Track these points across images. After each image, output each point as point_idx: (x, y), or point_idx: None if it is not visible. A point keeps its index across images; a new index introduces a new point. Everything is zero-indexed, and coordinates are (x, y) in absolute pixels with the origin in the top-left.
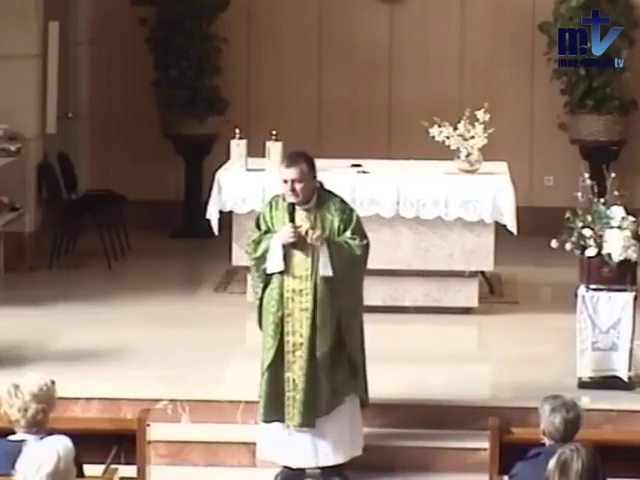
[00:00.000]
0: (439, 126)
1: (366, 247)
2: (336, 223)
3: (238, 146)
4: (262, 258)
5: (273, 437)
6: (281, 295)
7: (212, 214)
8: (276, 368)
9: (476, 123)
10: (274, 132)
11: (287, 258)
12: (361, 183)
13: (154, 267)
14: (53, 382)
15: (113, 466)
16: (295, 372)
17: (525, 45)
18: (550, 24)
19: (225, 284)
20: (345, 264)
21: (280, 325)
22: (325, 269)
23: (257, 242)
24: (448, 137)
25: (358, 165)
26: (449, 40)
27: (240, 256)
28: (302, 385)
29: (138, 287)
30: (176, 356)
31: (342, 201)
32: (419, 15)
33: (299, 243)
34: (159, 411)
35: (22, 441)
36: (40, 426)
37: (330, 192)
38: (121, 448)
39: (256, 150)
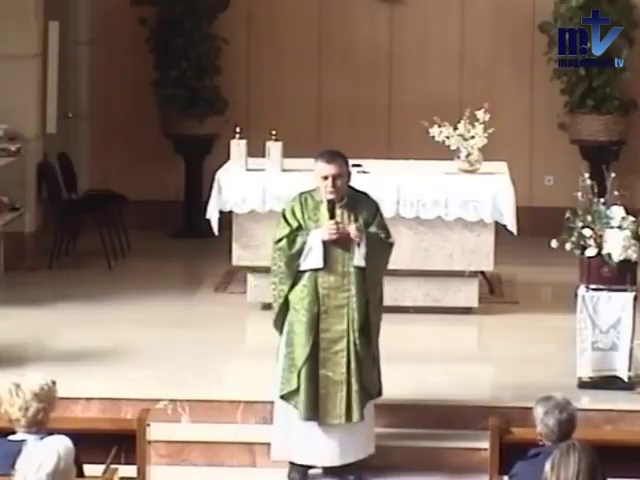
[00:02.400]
0: (439, 126)
1: (392, 245)
2: (366, 219)
3: (238, 146)
4: (297, 255)
5: (293, 436)
6: (316, 292)
7: (212, 214)
8: (311, 365)
9: (476, 123)
10: (274, 132)
11: (326, 254)
12: (361, 183)
13: (154, 267)
14: (54, 382)
15: (113, 466)
16: (330, 369)
17: (525, 45)
18: (550, 24)
19: (225, 284)
20: (377, 257)
21: (316, 322)
22: (359, 260)
23: (292, 239)
24: (448, 137)
25: (358, 165)
26: (449, 40)
27: (240, 256)
28: (346, 381)
29: (138, 287)
30: (176, 356)
31: (369, 197)
32: (419, 15)
33: (339, 239)
34: (159, 411)
35: (22, 441)
36: (40, 426)
37: (355, 189)
38: (121, 448)
39: (256, 150)
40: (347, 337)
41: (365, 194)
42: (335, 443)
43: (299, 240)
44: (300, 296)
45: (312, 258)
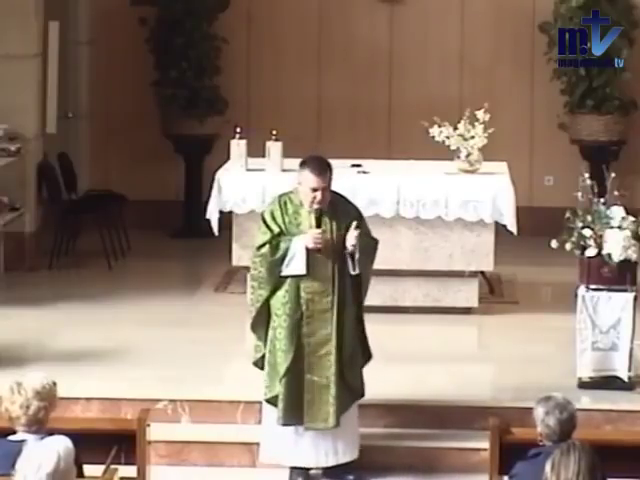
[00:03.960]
0: (439, 126)
1: (377, 245)
2: (347, 222)
3: (238, 146)
4: (279, 261)
5: (281, 439)
6: (298, 297)
7: (212, 214)
8: (296, 370)
9: (476, 123)
10: (274, 132)
11: (309, 259)
12: (361, 183)
13: (154, 267)
14: (55, 383)
15: (113, 466)
16: (316, 373)
17: (525, 45)
18: (550, 24)
19: (225, 284)
20: (368, 261)
21: (298, 327)
22: (354, 269)
23: (274, 245)
24: (448, 137)
25: (358, 165)
26: (449, 40)
27: (240, 256)
28: (331, 385)
29: (138, 287)
30: (176, 356)
31: (347, 200)
32: (419, 15)
33: (323, 248)
34: (159, 411)
35: (22, 441)
36: (41, 425)
37: (335, 192)
38: (121, 448)
39: (256, 150)
40: (333, 340)
41: (344, 198)
42: (323, 445)
43: (282, 246)
44: (282, 301)
45: (295, 265)
